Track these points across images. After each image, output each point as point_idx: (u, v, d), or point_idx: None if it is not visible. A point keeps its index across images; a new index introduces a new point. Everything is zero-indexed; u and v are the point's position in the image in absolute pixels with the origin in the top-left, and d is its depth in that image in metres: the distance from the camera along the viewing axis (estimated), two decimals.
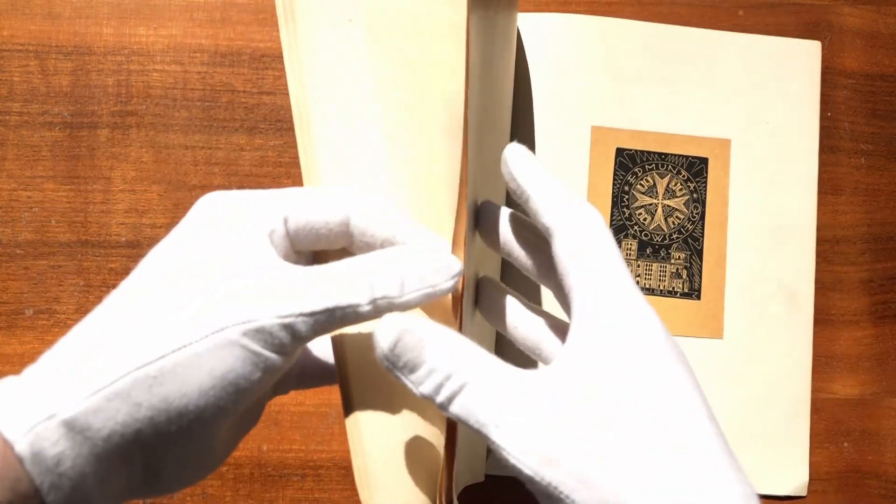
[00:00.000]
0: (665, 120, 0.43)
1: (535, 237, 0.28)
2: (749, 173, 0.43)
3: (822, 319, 0.43)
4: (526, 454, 0.22)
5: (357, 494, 0.34)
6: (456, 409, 0.23)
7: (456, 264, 0.26)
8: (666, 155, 0.43)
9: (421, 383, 0.24)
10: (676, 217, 0.43)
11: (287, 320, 0.23)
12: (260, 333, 0.23)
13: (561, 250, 0.25)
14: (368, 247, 0.27)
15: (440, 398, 0.23)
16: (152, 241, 0.42)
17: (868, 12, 0.45)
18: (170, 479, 0.24)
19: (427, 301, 0.26)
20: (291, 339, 0.24)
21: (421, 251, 0.26)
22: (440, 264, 0.26)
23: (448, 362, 0.23)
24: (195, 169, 0.43)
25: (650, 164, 0.43)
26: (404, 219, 0.27)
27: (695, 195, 0.43)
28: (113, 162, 0.42)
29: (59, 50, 0.43)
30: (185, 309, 0.23)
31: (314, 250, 0.28)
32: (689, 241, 0.43)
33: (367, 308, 0.25)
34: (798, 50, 0.44)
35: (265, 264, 0.25)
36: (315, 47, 0.33)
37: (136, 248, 0.42)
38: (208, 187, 0.42)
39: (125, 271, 0.42)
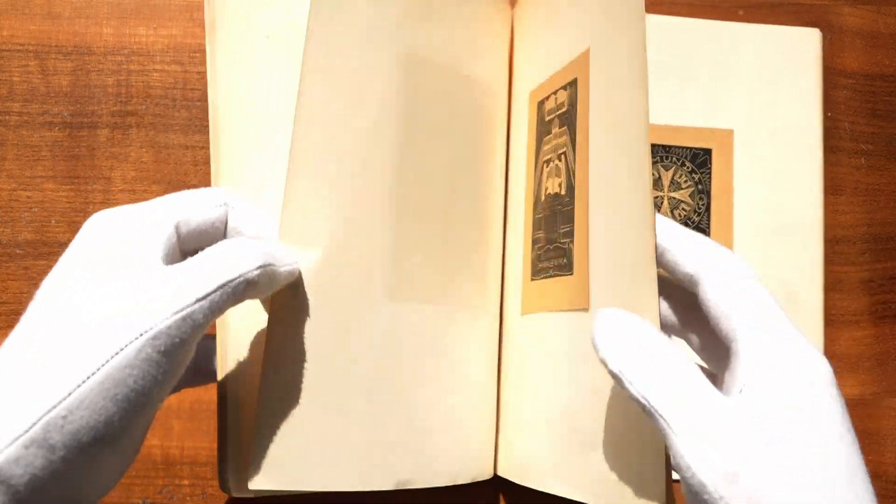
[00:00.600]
0: (667, 112, 0.43)
1: (669, 287, 0.30)
2: (752, 163, 0.43)
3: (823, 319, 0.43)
4: (706, 463, 0.23)
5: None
6: (644, 390, 0.24)
7: (293, 253, 0.30)
8: (670, 147, 0.43)
9: (614, 360, 0.25)
10: (682, 209, 0.43)
11: (184, 312, 0.24)
12: (158, 339, 0.23)
13: (715, 295, 0.26)
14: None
15: (629, 375, 0.25)
16: None
17: (868, 12, 0.45)
18: (91, 497, 0.25)
19: (288, 280, 0.29)
20: (191, 329, 0.24)
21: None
22: (289, 249, 0.30)
23: (649, 341, 0.25)
24: (195, 169, 0.43)
25: (655, 157, 0.43)
26: (272, 219, 0.30)
27: (700, 186, 0.43)
28: (113, 162, 0.42)
29: (59, 50, 0.43)
30: (85, 338, 0.23)
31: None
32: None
33: (255, 273, 0.26)
34: (796, 38, 0.44)
35: (156, 273, 0.25)
36: (234, 60, 0.35)
37: None
38: (208, 187, 0.42)
39: None
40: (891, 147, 0.45)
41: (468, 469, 0.37)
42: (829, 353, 0.43)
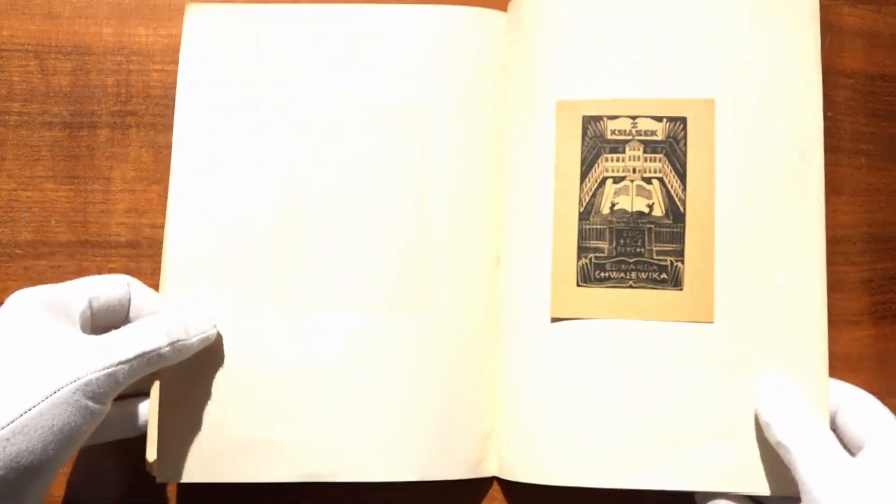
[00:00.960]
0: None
1: None
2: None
3: None
4: (828, 485, 0.31)
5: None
6: (786, 438, 0.33)
7: (210, 318, 0.36)
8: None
9: (767, 411, 0.35)
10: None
11: (110, 370, 0.30)
12: (88, 387, 0.29)
13: (851, 417, 0.35)
14: (142, 315, 0.36)
15: (776, 426, 0.34)
16: (152, 241, 0.42)
17: (868, 12, 0.45)
18: None
19: (204, 344, 0.36)
20: (113, 386, 0.30)
21: (187, 310, 0.37)
22: (204, 316, 0.36)
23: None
24: None
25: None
26: (165, 301, 0.37)
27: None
28: (113, 162, 0.42)
29: (58, 50, 0.43)
30: (28, 377, 0.28)
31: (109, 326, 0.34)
32: None
33: (167, 350, 0.33)
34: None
35: (88, 338, 0.31)
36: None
37: (135, 248, 0.42)
38: None
39: (125, 271, 0.42)
40: (891, 147, 0.45)
41: (409, 467, 0.38)
42: (829, 353, 0.43)
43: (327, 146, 0.40)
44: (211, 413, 0.37)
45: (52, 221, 0.42)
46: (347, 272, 0.39)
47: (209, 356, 0.37)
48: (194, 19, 0.41)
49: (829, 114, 0.44)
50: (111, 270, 0.42)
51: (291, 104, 0.40)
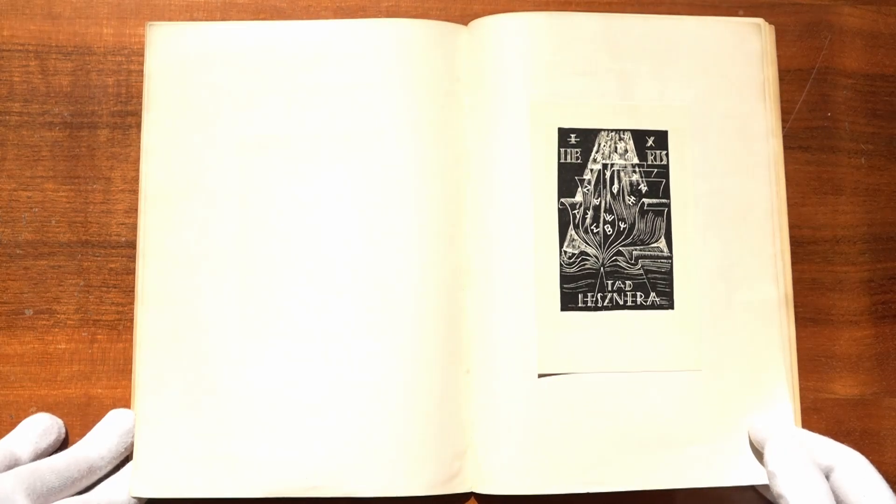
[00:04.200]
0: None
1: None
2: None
3: (823, 319, 0.43)
4: None
5: None
6: (786, 490, 0.34)
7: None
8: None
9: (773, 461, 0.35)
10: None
11: None
12: None
13: (846, 479, 0.34)
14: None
15: (781, 475, 0.34)
16: None
17: (868, 12, 0.45)
18: None
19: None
20: None
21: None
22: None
23: None
24: None
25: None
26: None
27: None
28: (113, 162, 0.42)
29: (59, 50, 0.43)
30: None
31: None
32: None
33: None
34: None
35: None
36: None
37: (135, 249, 0.42)
38: None
39: (125, 271, 0.42)
40: (891, 147, 0.45)
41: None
42: (829, 352, 0.43)
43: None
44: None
45: (53, 221, 0.42)
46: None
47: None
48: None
49: (829, 114, 0.44)
50: (111, 270, 0.42)
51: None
